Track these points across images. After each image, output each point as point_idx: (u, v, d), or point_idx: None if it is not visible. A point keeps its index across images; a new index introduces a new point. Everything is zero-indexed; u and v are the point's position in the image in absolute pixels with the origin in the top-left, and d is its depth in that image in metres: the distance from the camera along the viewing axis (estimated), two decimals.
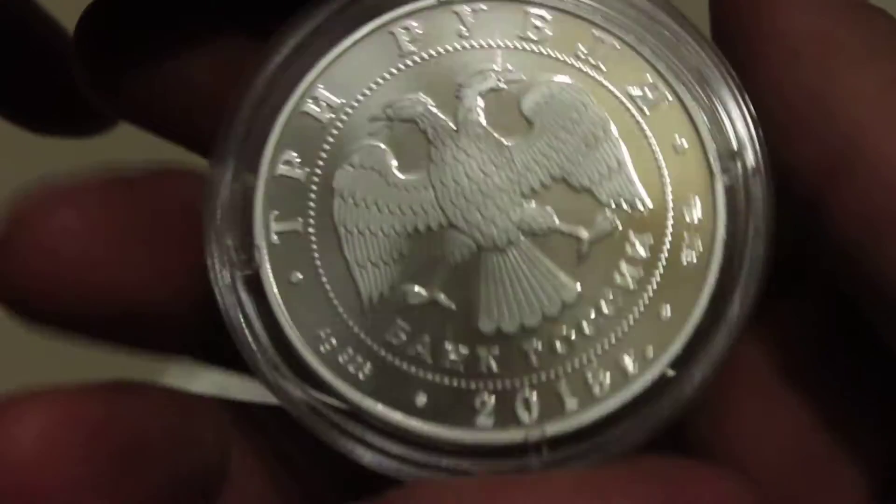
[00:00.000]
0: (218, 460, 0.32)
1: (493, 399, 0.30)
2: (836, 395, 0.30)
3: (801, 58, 0.28)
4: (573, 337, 0.30)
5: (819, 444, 0.30)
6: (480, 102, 0.31)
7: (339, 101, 0.31)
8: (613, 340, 0.30)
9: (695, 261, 0.30)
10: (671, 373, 0.30)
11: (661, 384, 0.30)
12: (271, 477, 0.33)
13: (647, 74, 0.31)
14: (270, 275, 0.31)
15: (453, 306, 0.30)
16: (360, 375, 0.30)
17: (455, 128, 0.31)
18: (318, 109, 0.31)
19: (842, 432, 0.30)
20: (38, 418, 0.28)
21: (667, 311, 0.30)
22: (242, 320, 0.30)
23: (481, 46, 0.31)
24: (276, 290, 0.31)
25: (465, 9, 0.31)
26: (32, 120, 0.39)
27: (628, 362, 0.30)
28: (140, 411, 0.30)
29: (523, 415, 0.30)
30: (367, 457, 0.30)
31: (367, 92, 0.31)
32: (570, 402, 0.30)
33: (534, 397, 0.30)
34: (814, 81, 0.28)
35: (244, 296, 0.30)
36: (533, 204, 0.30)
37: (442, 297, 0.30)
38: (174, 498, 0.30)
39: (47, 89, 0.39)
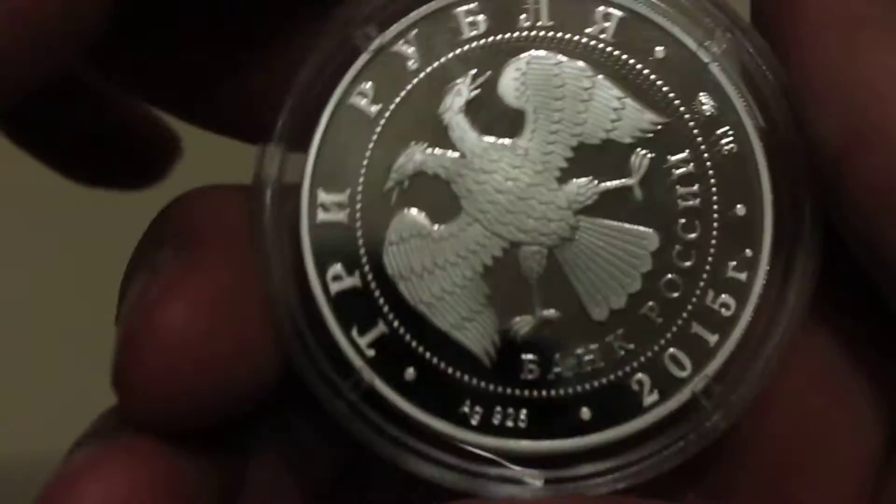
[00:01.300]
0: (238, 475, 0.31)
1: (646, 375, 0.29)
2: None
3: (824, 32, 0.28)
4: (677, 277, 0.29)
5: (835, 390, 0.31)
6: (467, 118, 0.29)
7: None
8: (711, 260, 0.29)
9: (735, 150, 0.30)
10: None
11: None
12: (287, 475, 0.32)
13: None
14: (384, 386, 0.29)
15: (561, 314, 0.29)
16: (520, 424, 0.29)
17: (461, 154, 0.29)
18: None
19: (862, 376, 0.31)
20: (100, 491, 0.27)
21: (742, 209, 0.30)
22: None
23: (433, 67, 0.30)
24: (395, 394, 0.29)
25: (406, 49, 0.30)
26: (80, 174, 0.38)
27: (735, 272, 0.30)
28: (192, 471, 0.29)
29: (679, 372, 0.29)
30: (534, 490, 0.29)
31: None
32: (711, 338, 0.29)
33: (677, 351, 0.29)
34: (836, 55, 0.28)
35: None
36: (571, 182, 0.29)
37: (546, 312, 0.29)
38: None
39: (96, 142, 0.37)
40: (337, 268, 0.29)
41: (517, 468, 0.29)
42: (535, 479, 0.29)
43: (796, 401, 0.31)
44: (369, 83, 0.30)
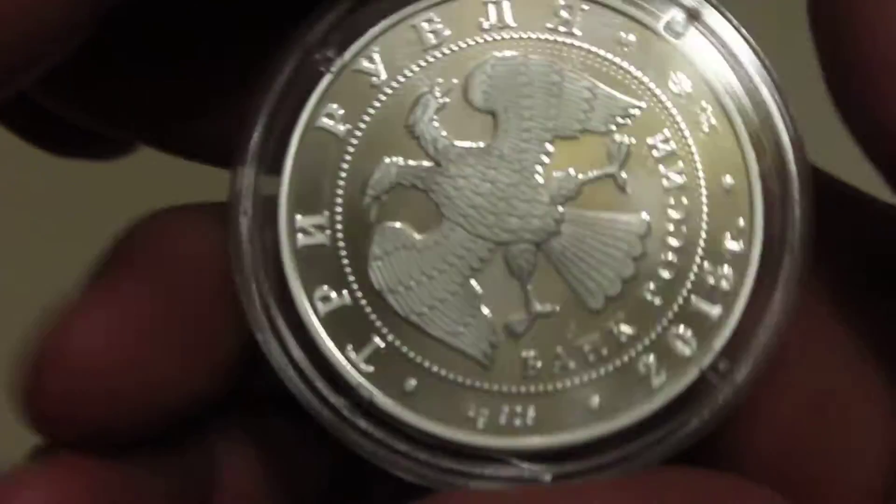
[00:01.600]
0: (205, 478, 0.31)
1: (651, 357, 0.29)
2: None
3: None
4: (670, 256, 0.29)
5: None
6: (438, 126, 0.29)
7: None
8: (705, 234, 0.29)
9: (715, 124, 0.29)
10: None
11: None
12: (264, 478, 0.32)
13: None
14: (386, 399, 0.28)
15: (557, 307, 0.29)
16: (529, 420, 0.28)
17: (435, 163, 0.29)
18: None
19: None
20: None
21: (730, 181, 0.29)
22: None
23: (398, 81, 0.30)
24: (397, 405, 0.29)
25: (368, 66, 0.30)
26: (54, 144, 0.37)
27: (730, 244, 0.29)
28: (126, 482, 0.29)
29: (685, 350, 0.29)
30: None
31: None
32: (714, 310, 0.29)
33: (681, 329, 0.29)
34: None
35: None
36: (551, 177, 0.29)
37: (541, 307, 0.29)
38: None
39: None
40: (324, 289, 0.29)
41: (525, 465, 0.28)
42: (543, 475, 0.28)
43: (810, 379, 0.30)
44: (335, 104, 0.30)
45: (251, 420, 0.32)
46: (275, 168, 0.29)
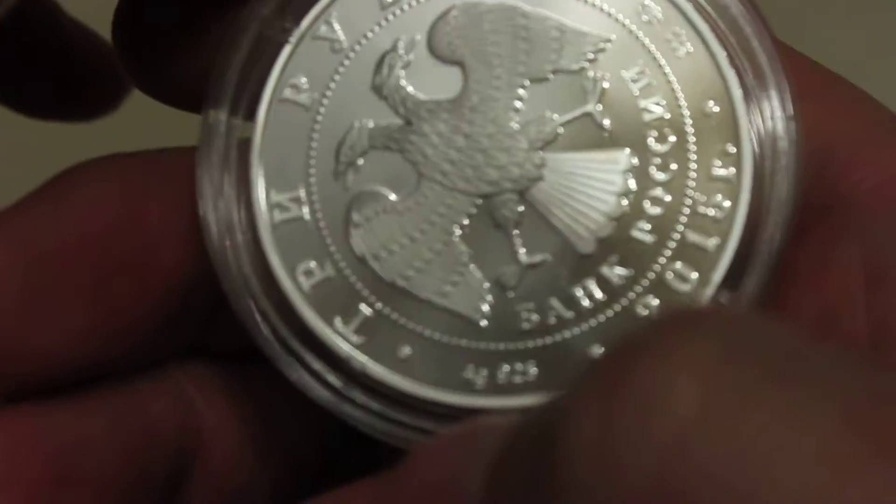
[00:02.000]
0: (182, 444, 0.30)
1: (651, 297, 0.28)
2: None
3: None
4: (659, 191, 0.28)
5: None
6: (406, 84, 0.28)
7: None
8: (693, 164, 0.28)
9: (691, 49, 0.28)
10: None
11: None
12: (250, 436, 0.32)
13: None
14: (379, 367, 0.28)
15: (547, 256, 0.28)
16: (530, 377, 0.28)
17: (406, 122, 0.28)
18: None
19: None
20: None
21: (713, 106, 0.28)
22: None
23: (360, 44, 0.29)
24: (392, 373, 0.28)
25: (328, 32, 0.29)
26: (30, 105, 0.37)
27: (719, 170, 0.28)
28: (73, 422, 0.28)
29: (684, 286, 0.28)
30: None
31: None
32: (710, 241, 0.28)
33: (678, 265, 0.28)
34: None
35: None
36: (527, 122, 0.28)
37: (531, 257, 0.28)
38: (133, 496, 0.29)
39: (45, 74, 0.36)
40: (307, 263, 0.28)
41: None
42: None
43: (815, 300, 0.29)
44: (298, 74, 0.29)
45: (240, 378, 0.32)
46: (244, 145, 0.28)
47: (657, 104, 0.28)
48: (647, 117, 0.28)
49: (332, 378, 0.28)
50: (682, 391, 0.19)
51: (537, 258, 0.28)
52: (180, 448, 0.31)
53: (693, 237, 0.28)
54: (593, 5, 0.29)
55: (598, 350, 0.27)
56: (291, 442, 0.32)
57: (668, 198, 0.28)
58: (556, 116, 0.28)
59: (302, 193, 0.28)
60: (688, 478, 0.18)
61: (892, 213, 0.27)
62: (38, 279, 0.28)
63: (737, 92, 0.28)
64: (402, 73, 0.29)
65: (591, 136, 0.28)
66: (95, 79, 0.37)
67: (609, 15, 0.29)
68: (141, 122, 0.38)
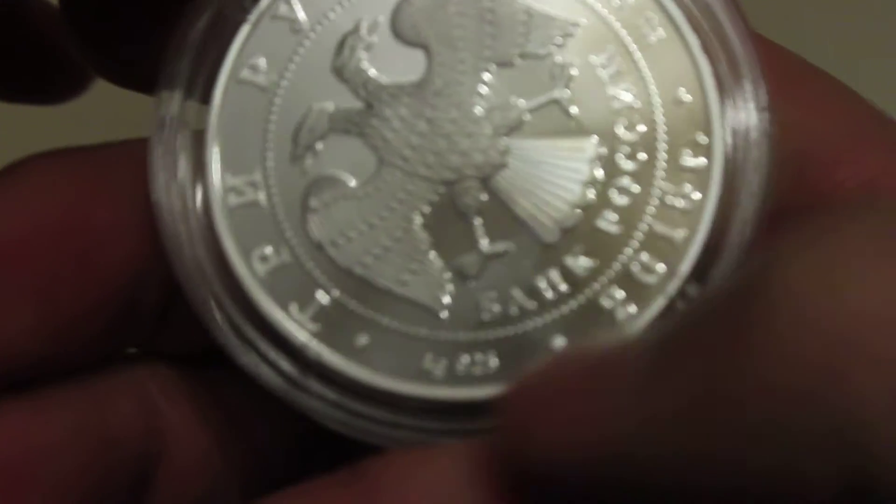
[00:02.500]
0: (145, 448, 0.30)
1: (616, 289, 0.27)
2: None
3: None
4: (626, 181, 0.27)
5: None
6: (367, 67, 0.28)
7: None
8: (664, 154, 0.27)
9: (663, 35, 0.28)
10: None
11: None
12: (215, 438, 0.31)
13: None
14: (335, 356, 0.27)
15: (512, 246, 0.27)
16: (490, 368, 0.27)
17: (367, 105, 0.27)
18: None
19: None
20: None
21: (685, 95, 0.27)
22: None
23: (320, 24, 0.28)
24: (349, 363, 0.27)
25: (287, 12, 0.28)
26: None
27: (690, 161, 0.27)
28: (31, 424, 0.28)
29: (650, 279, 0.27)
30: None
31: None
32: (677, 232, 0.27)
33: (644, 256, 0.27)
34: None
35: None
36: (492, 107, 0.27)
37: (494, 247, 0.27)
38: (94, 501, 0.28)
39: (12, 56, 0.36)
40: (262, 248, 0.27)
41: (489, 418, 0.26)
42: None
43: None
44: (256, 54, 0.28)
45: (203, 380, 0.31)
46: (197, 121, 0.28)
47: (627, 91, 0.28)
48: (615, 105, 0.27)
49: (287, 366, 0.27)
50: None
51: (500, 248, 0.27)
52: (143, 452, 0.30)
53: (661, 228, 0.27)
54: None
55: (560, 342, 0.27)
56: (259, 443, 0.32)
57: (635, 188, 0.27)
58: (521, 102, 0.28)
59: (258, 177, 0.27)
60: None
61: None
62: None
63: (709, 80, 0.27)
64: (364, 55, 0.28)
65: (558, 123, 0.28)
66: (63, 61, 0.37)
67: None
68: (105, 110, 0.38)
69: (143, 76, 0.29)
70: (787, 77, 0.28)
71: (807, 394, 0.20)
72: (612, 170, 0.27)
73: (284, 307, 0.27)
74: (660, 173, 0.27)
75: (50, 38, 0.35)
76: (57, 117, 0.38)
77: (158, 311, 0.29)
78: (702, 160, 0.27)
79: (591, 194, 0.27)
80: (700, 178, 0.27)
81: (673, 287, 0.27)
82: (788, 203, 0.27)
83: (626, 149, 0.27)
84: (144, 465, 0.30)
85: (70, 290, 0.28)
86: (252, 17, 0.28)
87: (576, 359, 0.24)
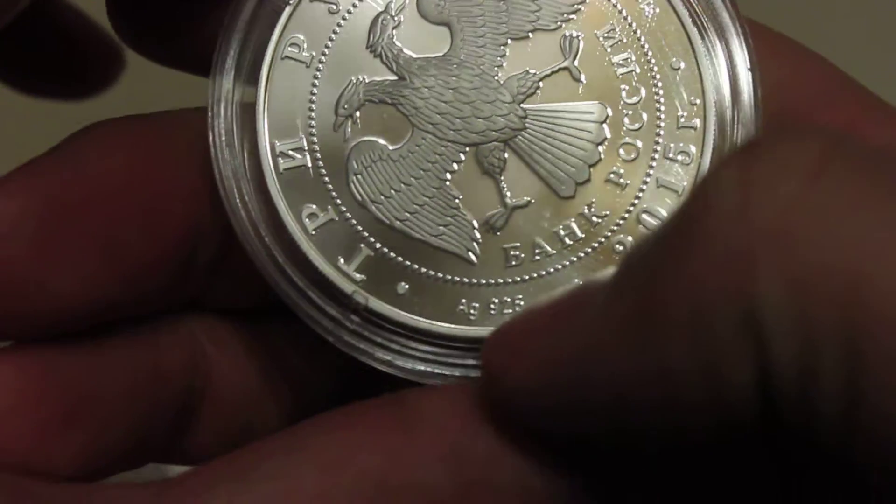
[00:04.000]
0: (190, 384, 0.33)
1: (626, 235, 0.30)
2: None
3: None
4: (630, 138, 0.31)
5: None
6: (398, 43, 0.31)
7: None
8: (662, 115, 0.31)
9: (657, 10, 0.31)
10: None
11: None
12: (259, 378, 0.34)
13: None
14: (381, 303, 0.30)
15: (531, 199, 0.30)
16: (518, 308, 0.30)
17: (399, 77, 0.31)
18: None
19: None
20: None
21: (678, 61, 0.31)
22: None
23: (354, 5, 0.31)
24: (393, 308, 0.30)
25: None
26: (28, 83, 0.39)
27: (685, 120, 0.31)
28: (86, 366, 0.30)
29: (655, 223, 0.30)
30: None
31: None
32: (680, 186, 0.31)
33: (650, 204, 0.31)
34: None
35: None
36: (510, 77, 0.31)
37: (517, 200, 0.30)
38: (141, 436, 0.31)
39: (42, 54, 0.38)
40: (310, 207, 0.30)
41: None
42: None
43: None
44: (298, 33, 0.31)
45: (249, 329, 0.34)
46: (248, 95, 0.31)
47: (628, 60, 0.31)
48: (619, 71, 0.31)
49: (335, 312, 0.30)
50: (807, 153, 0.22)
51: (522, 201, 0.30)
52: (188, 387, 0.33)
53: (663, 179, 0.30)
54: None
55: (577, 282, 0.30)
56: (304, 382, 0.34)
57: (640, 144, 0.31)
58: (536, 71, 0.31)
59: (304, 143, 0.30)
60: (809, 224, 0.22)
61: None
62: (51, 225, 0.30)
63: (700, 48, 0.31)
64: (394, 32, 0.31)
65: (569, 90, 0.31)
66: (89, 59, 0.39)
67: None
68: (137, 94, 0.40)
69: (183, 54, 0.32)
70: (767, 46, 0.32)
71: (721, 294, 0.22)
72: (618, 129, 0.31)
73: (332, 260, 0.30)
74: (660, 132, 0.31)
75: (75, 34, 0.37)
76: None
77: (212, 266, 0.32)
78: (696, 120, 0.31)
79: (601, 151, 0.31)
80: (696, 135, 0.31)
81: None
82: None
83: (630, 111, 0.31)
84: (190, 398, 0.33)
85: (134, 243, 0.30)
86: (292, 1, 0.31)
87: (545, 304, 0.27)
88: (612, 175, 0.31)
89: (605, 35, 0.31)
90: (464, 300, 0.30)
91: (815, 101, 0.31)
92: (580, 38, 0.31)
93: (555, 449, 0.26)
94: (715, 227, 0.23)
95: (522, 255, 0.30)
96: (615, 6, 0.31)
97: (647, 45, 0.31)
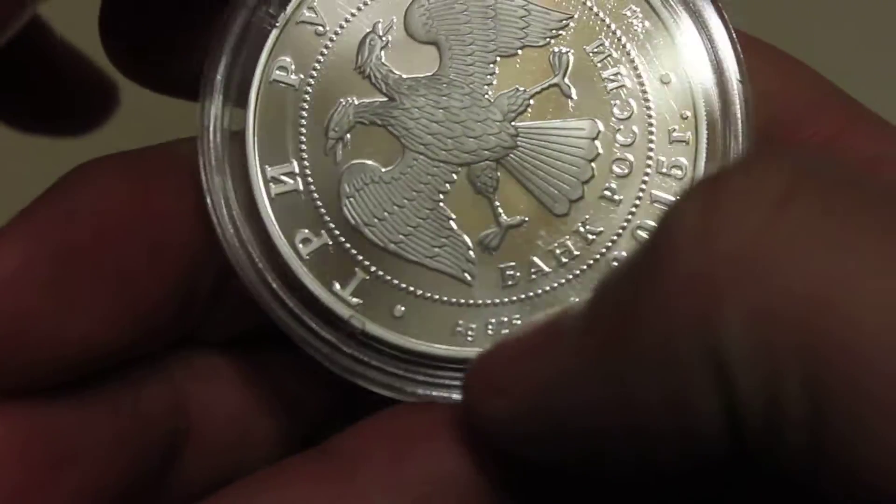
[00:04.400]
0: (173, 426, 0.32)
1: (621, 251, 0.30)
2: None
3: None
4: (622, 153, 0.31)
5: None
6: (386, 63, 0.31)
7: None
8: (653, 129, 0.31)
9: (647, 24, 0.31)
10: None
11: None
12: (249, 414, 0.34)
13: None
14: (377, 327, 0.30)
15: (525, 217, 0.30)
16: (514, 328, 0.30)
17: (389, 98, 0.30)
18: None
19: None
20: None
21: (669, 75, 0.31)
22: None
23: (341, 27, 0.31)
24: (389, 331, 0.30)
25: (311, 16, 0.31)
26: (21, 120, 0.38)
27: (677, 134, 0.31)
28: (70, 415, 0.30)
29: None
30: None
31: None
32: (672, 197, 0.30)
33: (644, 219, 0.30)
34: None
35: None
36: (500, 95, 0.31)
37: (511, 219, 0.30)
38: (127, 482, 0.31)
39: (35, 91, 0.38)
40: (304, 232, 0.30)
41: None
42: None
43: None
44: (285, 56, 0.31)
45: (235, 355, 0.34)
46: (237, 120, 0.31)
47: (618, 74, 0.31)
48: (609, 86, 0.31)
49: (331, 336, 0.30)
50: (774, 181, 0.22)
51: (516, 219, 0.30)
52: (172, 429, 0.32)
53: (657, 194, 0.30)
54: None
55: (574, 300, 0.30)
56: (296, 409, 0.34)
57: (632, 160, 0.30)
58: (526, 89, 0.31)
59: (296, 168, 0.30)
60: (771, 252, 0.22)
61: None
62: (59, 270, 0.29)
63: (689, 62, 0.31)
64: (382, 53, 0.31)
65: (559, 106, 0.31)
66: (83, 97, 0.39)
67: None
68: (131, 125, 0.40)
69: (177, 79, 0.32)
70: (755, 57, 0.31)
71: (685, 323, 0.23)
72: (610, 145, 0.31)
73: (328, 285, 0.30)
74: (652, 146, 0.31)
75: (66, 70, 0.37)
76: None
77: (212, 298, 0.32)
78: (688, 133, 0.30)
79: (594, 168, 0.30)
80: (688, 148, 0.31)
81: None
82: None
83: (621, 125, 0.31)
84: (173, 439, 0.33)
85: (143, 279, 0.30)
86: (279, 23, 0.31)
87: (521, 334, 0.27)
88: (605, 191, 0.30)
89: (595, 50, 0.31)
90: (461, 321, 0.30)
91: (802, 113, 0.31)
92: (570, 54, 0.31)
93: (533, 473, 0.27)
94: (678, 256, 0.23)
95: (518, 275, 0.30)
96: (604, 21, 0.31)
97: (636, 59, 0.31)
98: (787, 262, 0.22)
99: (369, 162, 0.30)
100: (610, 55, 0.31)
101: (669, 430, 0.23)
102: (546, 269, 0.30)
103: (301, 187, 0.30)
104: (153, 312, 0.30)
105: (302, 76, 0.31)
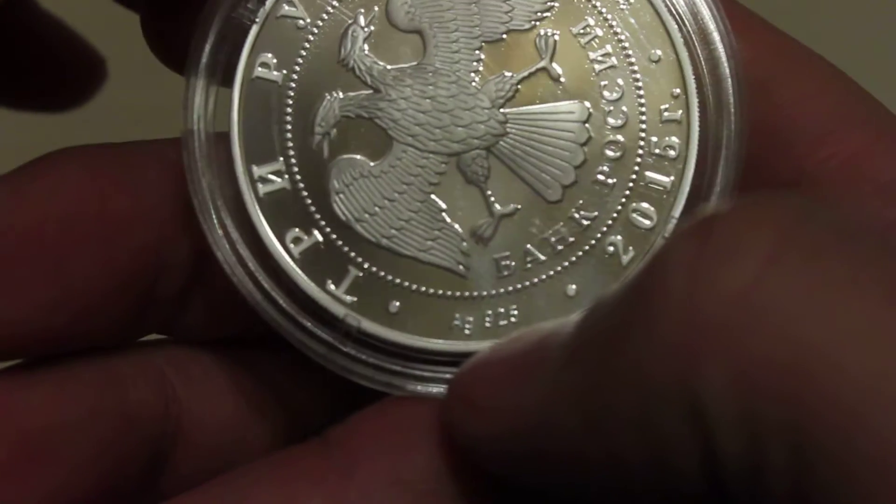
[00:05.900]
0: (162, 430, 0.32)
1: (616, 236, 0.30)
2: None
3: None
4: (614, 136, 0.30)
5: None
6: (369, 55, 0.30)
7: None
8: (644, 109, 0.30)
9: (633, 2, 0.31)
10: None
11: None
12: (240, 417, 0.33)
13: None
14: (372, 324, 0.30)
15: (518, 206, 0.30)
16: (513, 319, 0.30)
17: (374, 90, 0.30)
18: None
19: None
20: None
21: (658, 53, 0.30)
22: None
23: (322, 19, 0.30)
24: (385, 328, 0.30)
25: (291, 10, 0.30)
26: (5, 96, 0.38)
27: (669, 113, 0.30)
28: (50, 403, 0.30)
29: (646, 223, 0.30)
30: None
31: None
32: (667, 181, 0.30)
33: (639, 203, 0.30)
34: None
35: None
36: (487, 81, 0.30)
37: (504, 208, 0.30)
38: (111, 482, 0.31)
39: (19, 66, 0.38)
40: (294, 231, 0.30)
41: None
42: None
43: None
44: (267, 52, 0.30)
45: (227, 356, 0.33)
46: (222, 120, 0.30)
47: (606, 55, 0.30)
48: (597, 68, 0.30)
49: (327, 336, 0.29)
50: (761, 238, 0.22)
51: (509, 208, 0.30)
52: (160, 433, 0.32)
53: (650, 176, 0.30)
54: None
55: (572, 288, 0.29)
56: (291, 408, 0.34)
57: (624, 142, 0.30)
58: (513, 74, 0.30)
59: (282, 166, 0.30)
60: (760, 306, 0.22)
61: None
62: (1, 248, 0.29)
63: (678, 38, 0.30)
64: (366, 44, 0.30)
65: (548, 90, 0.30)
66: (70, 71, 0.38)
67: None
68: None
69: None
70: (784, 57, 0.31)
71: (662, 379, 0.22)
72: (602, 127, 0.30)
73: (321, 284, 0.29)
74: (644, 126, 0.30)
75: (54, 49, 0.37)
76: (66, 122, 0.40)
77: (181, 297, 0.31)
78: (680, 112, 0.30)
79: (586, 152, 0.30)
80: (680, 127, 0.30)
81: (668, 229, 0.30)
82: (775, 177, 0.30)
83: (611, 107, 0.30)
84: (162, 445, 0.32)
85: (87, 272, 0.30)
86: (259, 18, 0.30)
87: (504, 352, 0.27)
88: (598, 175, 0.30)
89: (581, 31, 0.30)
90: (457, 315, 0.30)
91: (828, 124, 0.30)
92: (556, 36, 0.30)
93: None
94: (662, 313, 0.22)
95: (514, 265, 0.30)
96: (589, 0, 0.30)
97: (624, 39, 0.30)
98: (768, 329, 0.21)
99: (357, 156, 0.30)
100: (597, 35, 0.30)
101: (650, 481, 0.23)
102: (541, 257, 0.30)
103: (289, 185, 0.30)
104: (97, 306, 0.30)
105: (285, 72, 0.30)
